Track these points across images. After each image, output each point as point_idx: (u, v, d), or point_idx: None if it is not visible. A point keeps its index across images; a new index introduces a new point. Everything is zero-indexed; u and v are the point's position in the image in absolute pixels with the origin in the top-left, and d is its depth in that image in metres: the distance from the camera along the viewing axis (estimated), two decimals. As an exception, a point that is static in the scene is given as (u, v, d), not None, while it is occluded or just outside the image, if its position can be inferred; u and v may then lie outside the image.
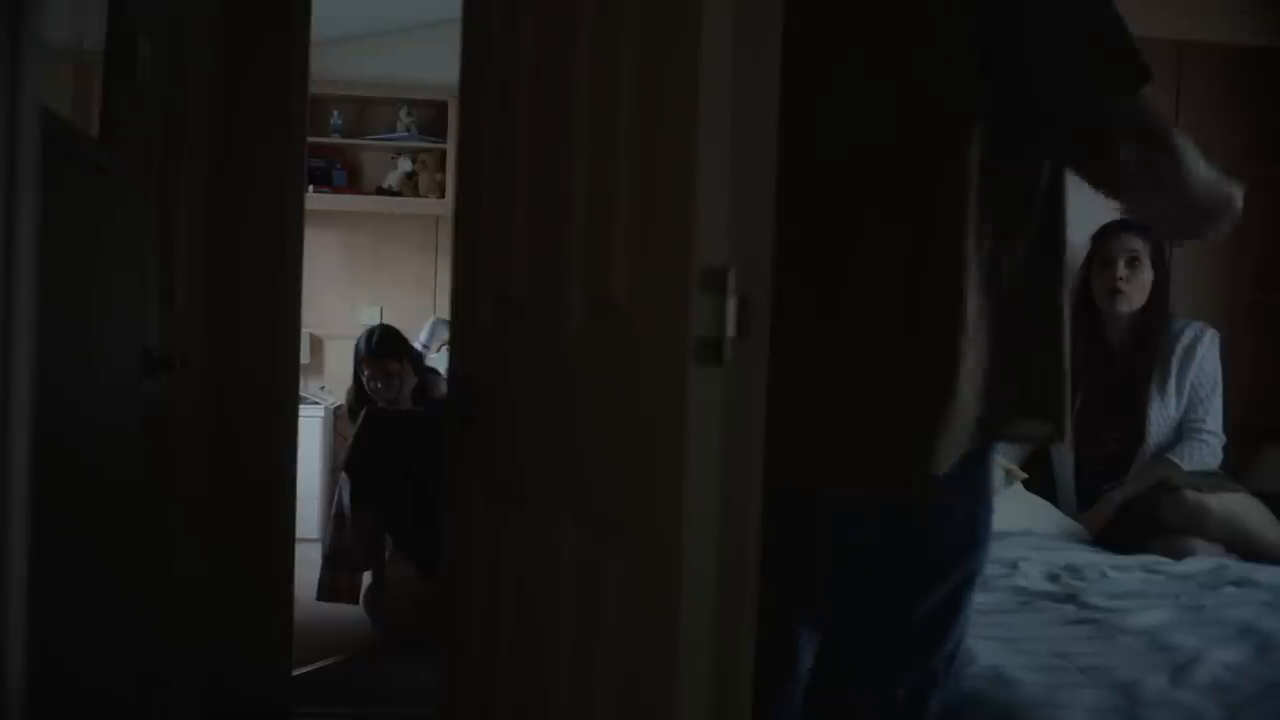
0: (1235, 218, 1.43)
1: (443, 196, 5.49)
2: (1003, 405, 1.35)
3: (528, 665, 1.30)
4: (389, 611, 3.75)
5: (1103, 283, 2.97)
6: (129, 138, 1.87)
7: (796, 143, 1.12)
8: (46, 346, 1.00)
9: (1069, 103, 1.29)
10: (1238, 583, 2.49)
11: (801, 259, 1.28)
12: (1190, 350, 3.00)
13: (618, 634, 1.11)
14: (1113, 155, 1.31)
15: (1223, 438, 3.03)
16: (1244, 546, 2.82)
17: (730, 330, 0.99)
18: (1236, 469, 3.25)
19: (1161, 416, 3.00)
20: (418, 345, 4.90)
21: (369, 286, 5.67)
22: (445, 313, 4.37)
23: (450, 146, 5.35)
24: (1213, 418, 3.01)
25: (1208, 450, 3.00)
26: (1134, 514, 2.94)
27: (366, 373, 3.95)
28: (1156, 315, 2.99)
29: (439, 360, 4.85)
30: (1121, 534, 2.92)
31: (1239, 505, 2.87)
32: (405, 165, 5.63)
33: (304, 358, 4.71)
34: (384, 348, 3.94)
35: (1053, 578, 2.54)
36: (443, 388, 4.00)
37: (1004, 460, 3.08)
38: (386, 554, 3.82)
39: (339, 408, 5.10)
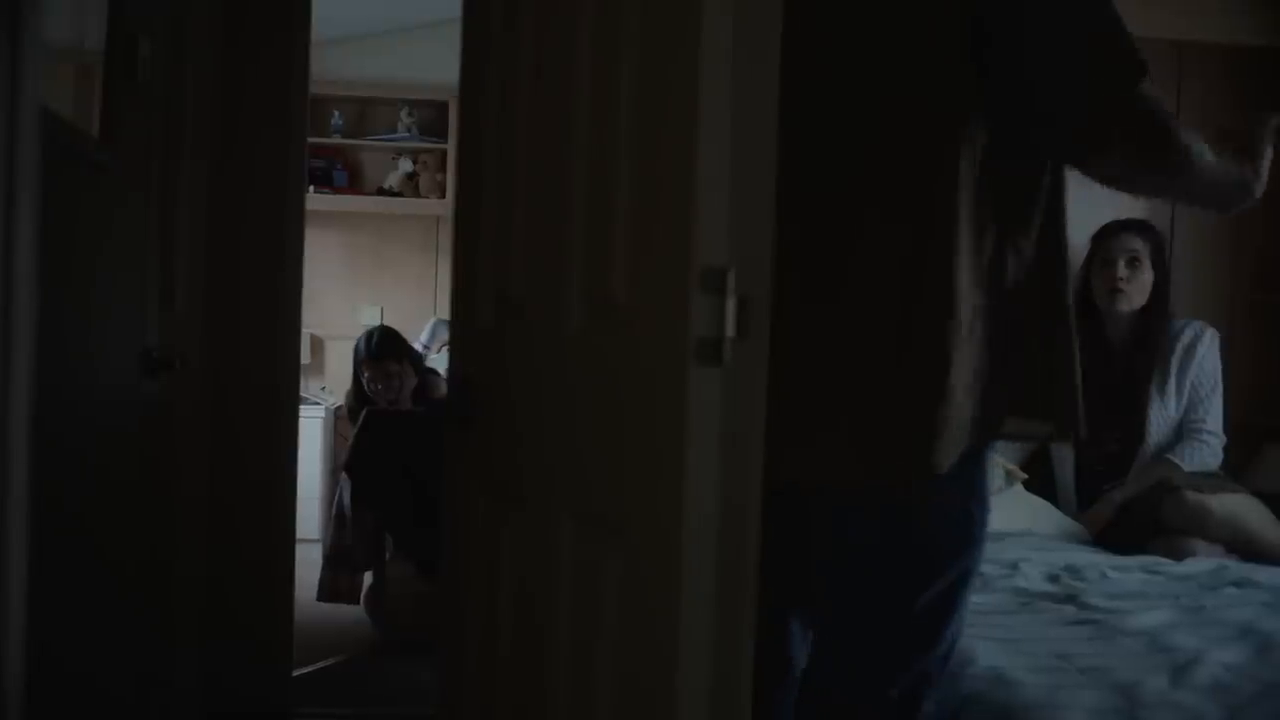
0: (1256, 191, 1.43)
1: (443, 197, 5.49)
2: (1003, 405, 1.35)
3: (528, 665, 1.30)
4: (389, 612, 3.75)
5: (1103, 282, 2.97)
6: (129, 138, 1.87)
7: (796, 142, 1.12)
8: (46, 346, 1.00)
9: (1067, 101, 1.29)
10: (1238, 583, 2.49)
11: (801, 259, 1.28)
12: (1190, 350, 3.00)
13: (618, 634, 1.11)
14: (1115, 151, 1.31)
15: (1223, 438, 3.02)
16: (1244, 547, 2.82)
17: (730, 330, 0.99)
18: (1237, 469, 3.24)
19: (1161, 416, 3.00)
20: (418, 346, 4.90)
21: (370, 287, 5.67)
22: (446, 313, 4.37)
23: (451, 147, 5.35)
24: (1213, 418, 3.01)
25: (1208, 450, 3.00)
26: (1134, 514, 2.94)
27: (366, 374, 3.95)
28: (1156, 315, 2.99)
29: (440, 361, 4.85)
30: (1122, 534, 2.92)
31: (1239, 506, 2.87)
32: (406, 165, 5.63)
33: (304, 358, 4.71)
34: (384, 349, 3.94)
35: (1053, 578, 2.54)
36: (443, 388, 4.00)
37: (1004, 461, 3.08)
38: (387, 554, 3.82)
39: (339, 408, 5.10)
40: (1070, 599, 2.35)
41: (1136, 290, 2.96)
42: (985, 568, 2.50)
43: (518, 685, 1.35)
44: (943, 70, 1.30)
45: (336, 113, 5.52)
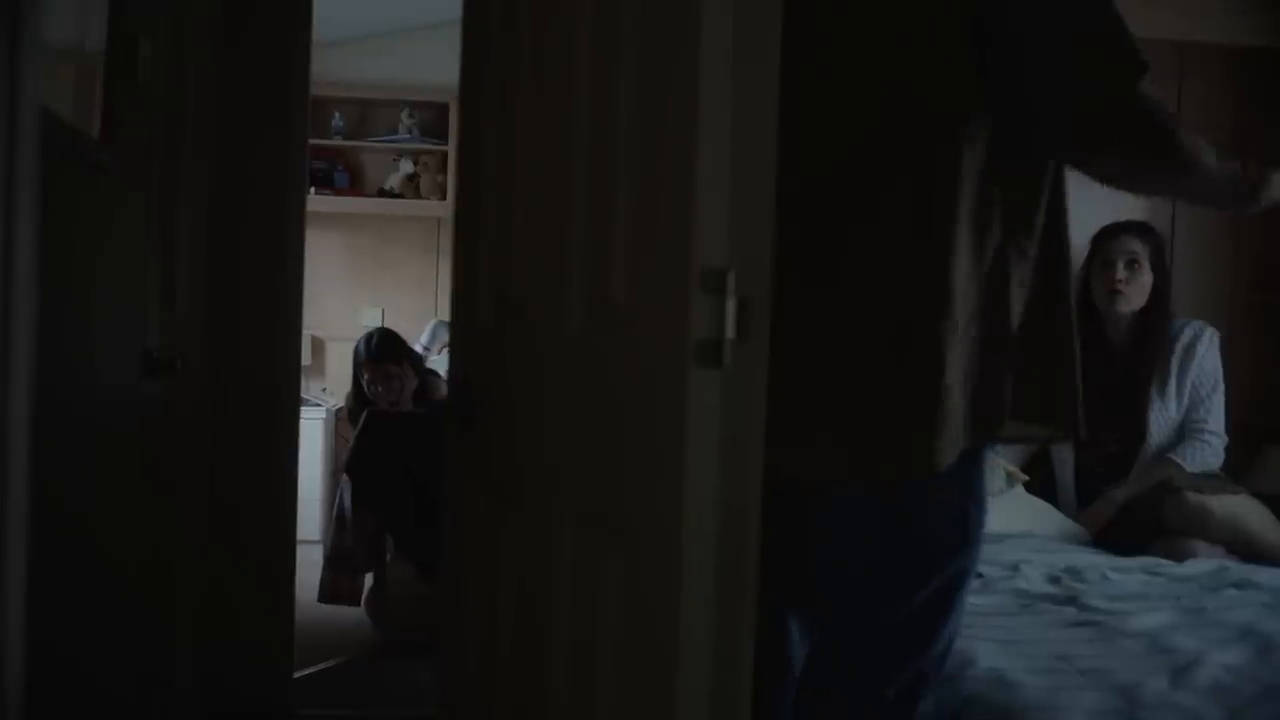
0: (1268, 199, 1.43)
1: (444, 198, 5.49)
2: (1002, 406, 1.35)
3: (528, 665, 1.30)
4: (390, 614, 3.75)
5: (1102, 284, 2.97)
6: (130, 138, 1.87)
7: (796, 142, 1.11)
8: (47, 347, 1.00)
9: (1066, 100, 1.29)
10: (1239, 585, 2.49)
11: (801, 259, 1.28)
12: (1190, 350, 2.99)
13: (617, 635, 1.11)
14: (1114, 151, 1.31)
15: (1224, 438, 3.02)
16: (1245, 548, 2.82)
17: (730, 332, 0.99)
18: (1237, 470, 3.24)
19: (1162, 417, 2.99)
20: (418, 348, 4.90)
21: (370, 288, 5.67)
22: (447, 315, 4.37)
23: (452, 148, 5.35)
24: (1214, 418, 3.01)
25: (1209, 451, 2.99)
26: (1135, 515, 2.93)
27: (366, 376, 3.95)
28: (1156, 317, 2.99)
29: (440, 363, 4.85)
30: (1122, 536, 2.92)
31: (1240, 507, 2.87)
32: (407, 167, 5.63)
33: (305, 359, 4.71)
34: (384, 351, 3.94)
35: (1053, 580, 2.54)
36: (443, 389, 4.00)
37: (1005, 462, 3.08)
38: (388, 556, 3.82)
39: (340, 409, 5.10)
40: (1071, 600, 2.35)
41: (1136, 292, 2.95)
42: (986, 569, 2.50)
43: (518, 686, 1.35)
44: (943, 70, 1.30)
45: (337, 114, 5.53)
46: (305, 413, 3.67)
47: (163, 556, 2.32)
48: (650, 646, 1.04)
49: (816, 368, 1.32)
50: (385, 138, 5.62)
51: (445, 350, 4.93)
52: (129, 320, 1.97)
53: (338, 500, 3.91)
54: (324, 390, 5.54)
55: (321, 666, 3.46)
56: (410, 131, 5.59)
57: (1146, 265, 2.96)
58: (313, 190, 4.68)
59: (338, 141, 5.55)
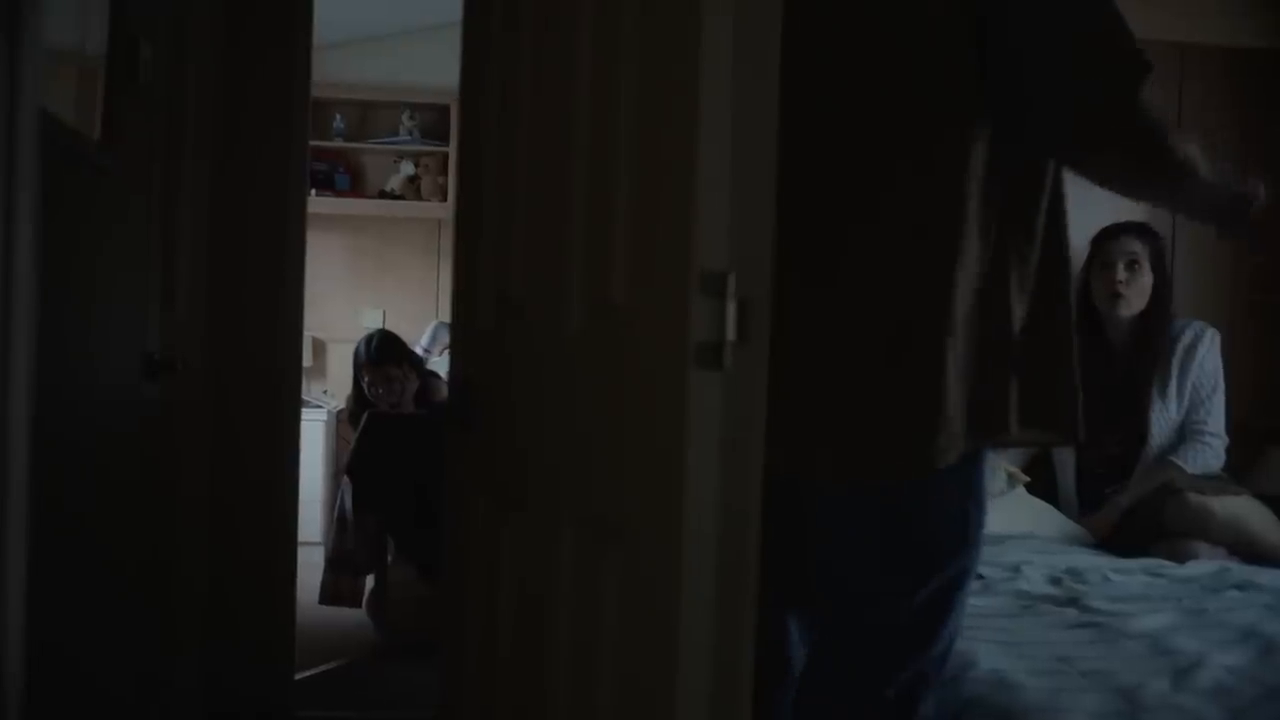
0: (1254, 208, 1.42)
1: (445, 200, 5.49)
2: (1003, 408, 1.35)
3: (528, 666, 1.30)
4: (391, 615, 3.75)
5: (1103, 286, 2.96)
6: (131, 140, 1.87)
7: (797, 143, 1.11)
8: (47, 348, 1.00)
9: (1064, 100, 1.29)
10: (1240, 586, 2.49)
11: (801, 259, 1.27)
12: (1190, 350, 2.99)
13: (618, 636, 1.10)
14: (1111, 152, 1.31)
15: (1225, 439, 3.02)
16: (1247, 550, 2.82)
17: (730, 334, 0.98)
18: (1239, 470, 3.24)
19: (1163, 418, 2.99)
20: (419, 350, 4.91)
21: (372, 290, 5.68)
22: (448, 316, 4.38)
23: (452, 150, 5.35)
24: (1214, 419, 3.00)
25: (1210, 452, 2.99)
26: (1137, 517, 2.93)
27: (367, 379, 3.95)
28: (1157, 318, 2.98)
29: (441, 364, 4.85)
30: (1124, 537, 2.91)
31: (1242, 508, 2.87)
32: (408, 169, 5.63)
33: (306, 361, 4.71)
34: (383, 354, 3.94)
35: (1055, 581, 2.54)
36: (444, 391, 4.00)
37: (1006, 464, 3.08)
38: (389, 558, 3.82)
39: (341, 411, 5.10)
40: (1072, 602, 2.35)
41: (1136, 294, 2.95)
42: (987, 570, 2.50)
43: (518, 687, 1.35)
44: (945, 71, 1.30)
45: (338, 116, 5.53)
46: (306, 414, 3.67)
47: (163, 557, 2.32)
48: (650, 647, 1.04)
49: (817, 367, 1.32)
50: (386, 139, 5.62)
51: (446, 352, 4.93)
52: (130, 321, 1.97)
53: (339, 502, 3.91)
54: (325, 392, 5.55)
55: (322, 668, 3.46)
56: (411, 133, 5.60)
57: (1147, 266, 2.95)
58: (314, 192, 4.68)
59: (339, 143, 5.56)
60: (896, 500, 1.36)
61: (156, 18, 2.08)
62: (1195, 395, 2.99)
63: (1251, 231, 1.45)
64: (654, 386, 1.04)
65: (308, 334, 4.85)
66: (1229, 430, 3.04)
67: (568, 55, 1.24)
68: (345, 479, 3.86)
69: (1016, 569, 2.59)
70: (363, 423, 3.80)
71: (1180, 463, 2.95)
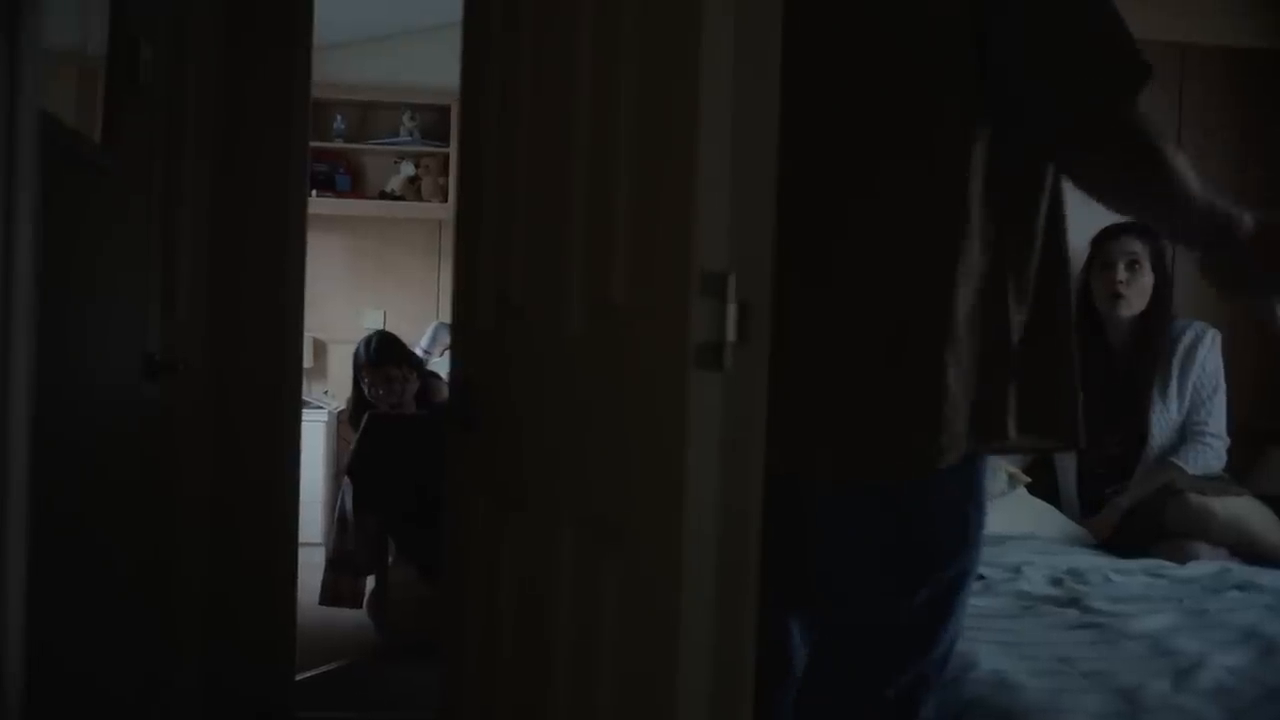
0: (1241, 235, 1.37)
1: (446, 201, 5.49)
2: (1001, 414, 1.34)
3: (529, 667, 1.30)
4: (392, 616, 3.75)
5: (1103, 286, 2.96)
6: (131, 141, 1.87)
7: (798, 143, 1.11)
8: (47, 349, 1.00)
9: (1063, 101, 1.28)
10: (1241, 587, 2.49)
11: (801, 259, 1.27)
12: (1191, 351, 2.99)
13: (618, 636, 1.10)
14: (1107, 153, 1.30)
15: (1225, 440, 3.02)
16: (1248, 550, 2.82)
17: (731, 335, 0.98)
18: (1240, 471, 3.24)
19: (1164, 419, 2.99)
20: (419, 351, 4.91)
21: (372, 291, 5.68)
22: (448, 317, 4.38)
23: (453, 151, 5.35)
24: (1215, 420, 3.00)
25: (1211, 453, 2.99)
26: (1138, 518, 2.93)
27: (367, 380, 3.95)
28: (1157, 319, 2.98)
29: (441, 365, 4.85)
30: (1125, 538, 2.91)
31: (1243, 509, 2.87)
32: (408, 169, 5.63)
33: (307, 362, 4.71)
34: (383, 355, 3.95)
35: (1056, 582, 2.54)
36: (444, 392, 4.00)
37: (1007, 464, 3.08)
38: (389, 558, 3.82)
39: (342, 412, 5.11)
40: (1073, 602, 2.35)
41: (1136, 294, 2.95)
42: (988, 571, 2.50)
43: (519, 688, 1.35)
44: (946, 72, 1.30)
45: (339, 116, 5.53)
46: (307, 415, 3.67)
47: (163, 558, 2.32)
48: (651, 648, 1.04)
49: (817, 367, 1.32)
50: (386, 140, 5.62)
51: (446, 352, 4.93)
52: (130, 322, 1.97)
53: (339, 503, 3.91)
54: (325, 393, 5.55)
55: (323, 669, 3.46)
56: (411, 134, 5.60)
57: (1147, 266, 2.95)
58: (314, 193, 4.68)
59: (339, 144, 5.56)
60: (896, 500, 1.36)
61: (156, 18, 2.08)
62: (1196, 396, 2.99)
63: (1240, 262, 1.39)
64: (654, 387, 1.04)
65: (308, 335, 4.85)
66: (1230, 431, 3.03)
67: (568, 55, 1.24)
68: (346, 480, 3.86)
69: (1017, 570, 2.59)
70: (363, 424, 3.80)
71: (1181, 463, 2.95)
